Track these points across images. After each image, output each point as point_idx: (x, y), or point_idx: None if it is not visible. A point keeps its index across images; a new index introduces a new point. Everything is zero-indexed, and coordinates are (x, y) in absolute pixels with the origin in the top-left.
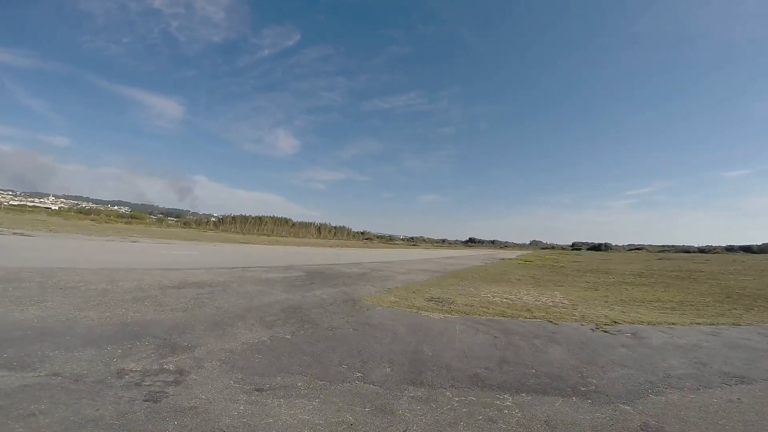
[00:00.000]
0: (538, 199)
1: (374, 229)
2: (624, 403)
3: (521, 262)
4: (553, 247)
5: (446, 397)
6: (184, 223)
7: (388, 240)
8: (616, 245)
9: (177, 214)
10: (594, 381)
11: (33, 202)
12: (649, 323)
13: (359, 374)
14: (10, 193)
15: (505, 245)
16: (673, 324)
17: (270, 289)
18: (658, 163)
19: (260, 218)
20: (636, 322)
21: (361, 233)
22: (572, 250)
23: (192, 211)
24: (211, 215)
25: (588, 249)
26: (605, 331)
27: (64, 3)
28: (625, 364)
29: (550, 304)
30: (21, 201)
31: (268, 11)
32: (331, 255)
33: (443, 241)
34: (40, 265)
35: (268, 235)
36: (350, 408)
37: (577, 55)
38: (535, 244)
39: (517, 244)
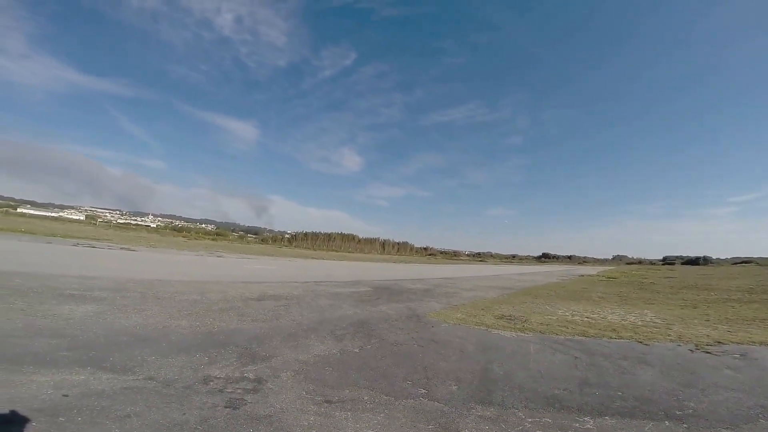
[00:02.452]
0: (623, 209)
1: (437, 244)
2: (727, 428)
3: (604, 278)
4: (640, 261)
5: (518, 417)
6: (262, 240)
7: (453, 255)
8: (718, 258)
9: (255, 231)
10: (692, 404)
11: (136, 220)
12: (762, 343)
13: (423, 391)
14: (118, 212)
15: (584, 260)
16: None
17: (340, 303)
18: None
19: (329, 235)
20: (745, 342)
21: (424, 249)
22: (663, 264)
23: (268, 228)
24: (285, 232)
25: (683, 263)
26: (707, 352)
27: (149, 34)
28: (730, 387)
29: (640, 323)
30: (126, 219)
31: (325, 32)
32: (395, 271)
33: (513, 256)
34: (142, 276)
35: (337, 251)
36: (414, 425)
37: (681, 52)
38: (619, 259)
39: (598, 259)
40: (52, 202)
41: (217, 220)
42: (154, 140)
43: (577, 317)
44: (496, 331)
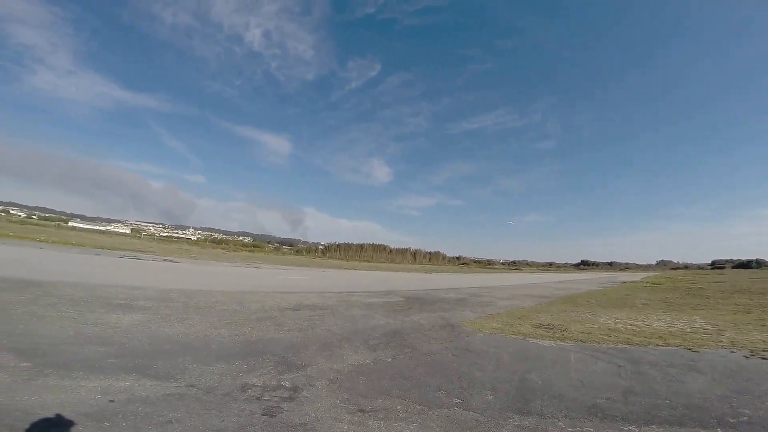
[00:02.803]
0: (667, 213)
1: (470, 253)
2: None
3: (648, 284)
4: (687, 267)
5: (558, 427)
6: (297, 251)
7: (487, 264)
8: None
9: (290, 243)
10: (747, 411)
11: (177, 233)
12: None
13: (458, 400)
14: (161, 225)
15: (625, 267)
16: None
17: (373, 313)
18: None
19: (361, 245)
20: None
21: (457, 258)
22: (712, 269)
23: (303, 240)
24: (318, 243)
25: (733, 267)
26: (764, 358)
27: (184, 51)
28: None
29: (688, 330)
30: (169, 232)
31: (350, 44)
32: (427, 280)
33: (550, 264)
34: (184, 287)
35: (369, 261)
36: None
37: (722, 53)
38: (663, 265)
39: (641, 266)
40: (99, 215)
41: (254, 233)
42: (194, 155)
43: (620, 325)
44: (533, 341)
